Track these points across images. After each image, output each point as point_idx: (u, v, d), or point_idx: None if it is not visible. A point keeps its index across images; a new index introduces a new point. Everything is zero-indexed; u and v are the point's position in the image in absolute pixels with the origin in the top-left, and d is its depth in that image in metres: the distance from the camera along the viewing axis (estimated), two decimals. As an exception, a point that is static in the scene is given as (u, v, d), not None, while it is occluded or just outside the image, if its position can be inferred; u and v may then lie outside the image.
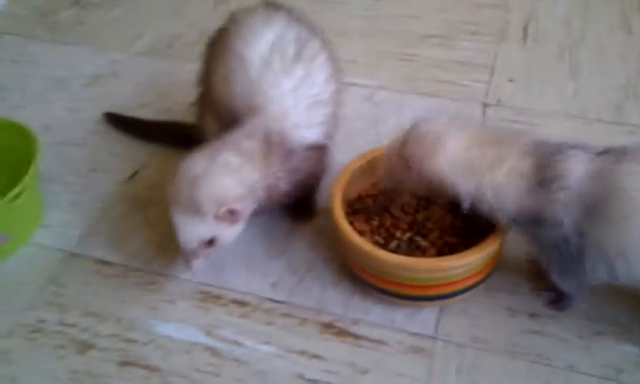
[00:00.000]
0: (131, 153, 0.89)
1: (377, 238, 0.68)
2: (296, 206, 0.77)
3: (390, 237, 0.68)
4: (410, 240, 0.68)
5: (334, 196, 0.69)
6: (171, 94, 0.98)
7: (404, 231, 0.69)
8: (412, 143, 0.62)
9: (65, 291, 0.72)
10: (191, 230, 0.65)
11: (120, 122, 0.92)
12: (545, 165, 0.59)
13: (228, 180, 0.65)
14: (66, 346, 0.67)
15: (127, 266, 0.74)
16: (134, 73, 1.05)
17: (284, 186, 0.71)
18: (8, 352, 0.66)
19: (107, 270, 0.74)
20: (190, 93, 0.81)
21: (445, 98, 0.96)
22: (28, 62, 1.09)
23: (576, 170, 0.58)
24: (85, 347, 0.66)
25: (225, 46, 0.73)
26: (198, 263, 0.66)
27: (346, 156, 0.79)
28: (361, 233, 0.67)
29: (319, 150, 0.74)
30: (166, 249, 0.75)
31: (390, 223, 0.70)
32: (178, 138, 0.85)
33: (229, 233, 0.67)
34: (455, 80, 0.99)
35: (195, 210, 0.64)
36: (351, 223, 0.67)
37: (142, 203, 0.81)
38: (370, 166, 0.73)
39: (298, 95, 0.70)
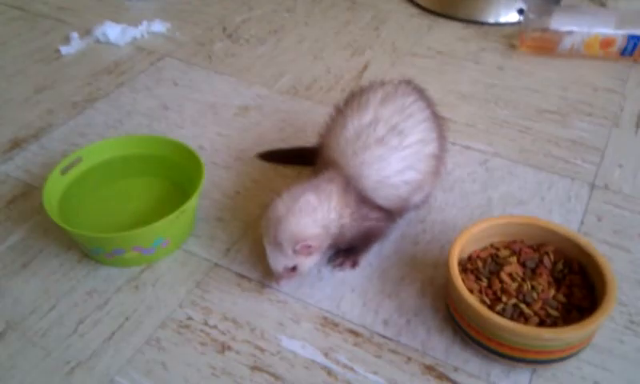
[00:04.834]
0: (267, 182, 1.01)
1: (484, 298, 0.76)
2: (347, 251, 0.88)
3: (497, 299, 0.76)
4: (515, 306, 0.75)
5: (452, 252, 0.78)
6: (306, 132, 1.10)
7: (510, 296, 0.76)
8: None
9: (208, 296, 0.84)
10: (276, 260, 0.80)
11: (268, 156, 1.05)
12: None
13: (305, 220, 0.79)
14: (207, 344, 0.78)
15: (262, 284, 0.85)
16: (275, 109, 1.17)
17: (351, 228, 0.82)
18: (160, 341, 0.79)
19: (245, 284, 0.85)
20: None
21: (554, 174, 1.03)
22: (186, 85, 1.23)
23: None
24: (223, 348, 0.78)
25: (344, 107, 0.87)
26: (283, 282, 0.82)
27: (457, 214, 0.91)
28: (470, 290, 0.76)
29: (384, 214, 0.85)
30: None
31: (498, 287, 0.77)
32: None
33: (307, 262, 0.81)
34: (567, 157, 1.06)
35: (278, 246, 0.78)
36: (462, 280, 0.76)
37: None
38: (485, 233, 0.82)
39: (383, 165, 0.82)
